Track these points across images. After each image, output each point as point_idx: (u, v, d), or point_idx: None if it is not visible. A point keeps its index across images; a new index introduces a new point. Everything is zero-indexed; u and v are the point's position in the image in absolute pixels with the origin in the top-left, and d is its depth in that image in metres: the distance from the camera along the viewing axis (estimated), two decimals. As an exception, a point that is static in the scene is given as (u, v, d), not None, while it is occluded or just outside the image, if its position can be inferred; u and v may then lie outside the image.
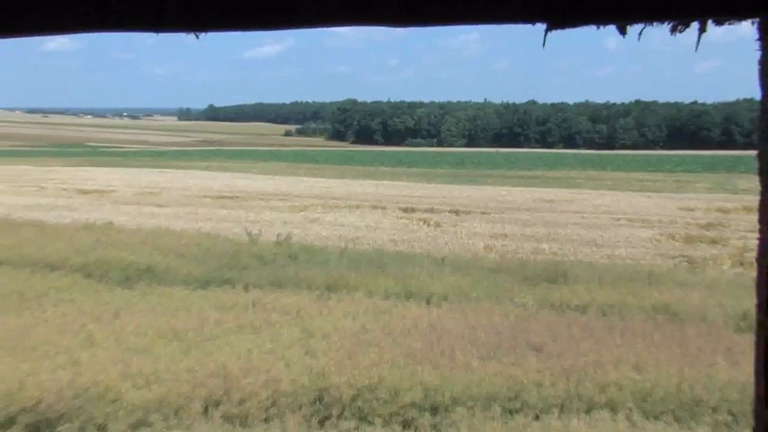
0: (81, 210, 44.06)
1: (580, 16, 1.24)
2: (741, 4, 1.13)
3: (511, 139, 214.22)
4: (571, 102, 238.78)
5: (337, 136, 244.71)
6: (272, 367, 16.31)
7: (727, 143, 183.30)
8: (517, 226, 41.16)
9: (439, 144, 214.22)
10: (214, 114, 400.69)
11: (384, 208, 48.70)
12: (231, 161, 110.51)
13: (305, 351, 17.72)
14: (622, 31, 1.36)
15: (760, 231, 1.12)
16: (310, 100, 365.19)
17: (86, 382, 15.24)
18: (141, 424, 14.21)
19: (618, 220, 44.99)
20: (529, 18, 1.29)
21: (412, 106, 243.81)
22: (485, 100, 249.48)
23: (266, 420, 14.41)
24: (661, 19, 1.28)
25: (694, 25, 1.36)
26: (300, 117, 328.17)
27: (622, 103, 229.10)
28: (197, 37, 1.53)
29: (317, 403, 15.04)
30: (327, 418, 14.59)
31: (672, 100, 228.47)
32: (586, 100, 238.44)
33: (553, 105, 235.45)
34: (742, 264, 30.04)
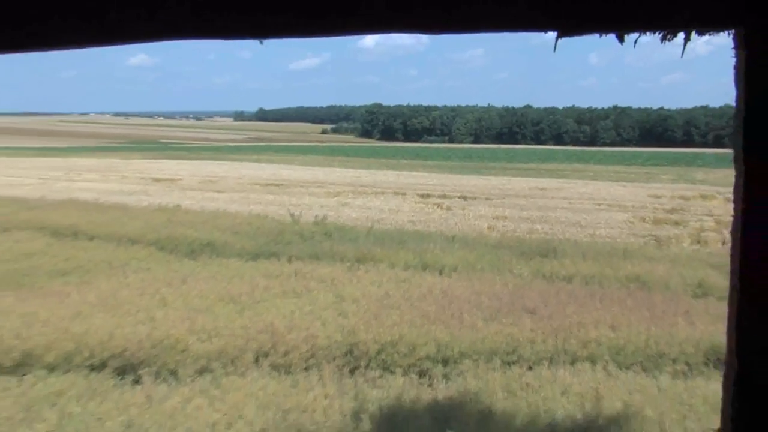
0: (155, 195, 44.19)
1: (587, 25, 1.24)
2: (718, 18, 1.13)
3: (510, 137, 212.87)
4: (560, 107, 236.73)
5: (365, 134, 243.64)
6: (311, 325, 16.41)
7: (687, 142, 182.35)
8: (515, 210, 40.97)
9: (450, 141, 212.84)
10: (263, 116, 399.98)
11: (404, 194, 48.56)
12: (277, 155, 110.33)
13: (338, 312, 17.80)
14: (621, 39, 1.36)
15: (734, 209, 1.13)
16: (343, 104, 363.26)
17: (160, 335, 15.41)
18: (204, 370, 14.33)
19: (599, 205, 44.72)
20: (543, 26, 1.29)
21: (428, 109, 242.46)
22: (488, 104, 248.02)
23: (306, 369, 14.48)
24: (653, 29, 1.28)
25: (681, 35, 1.36)
26: (334, 118, 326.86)
27: (603, 108, 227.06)
28: (261, 42, 1.52)
29: (348, 355, 15.11)
30: (356, 368, 14.66)
31: (643, 106, 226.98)
32: (573, 105, 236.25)
33: (545, 109, 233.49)
34: (698, 242, 30.17)
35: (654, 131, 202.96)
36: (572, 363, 14.88)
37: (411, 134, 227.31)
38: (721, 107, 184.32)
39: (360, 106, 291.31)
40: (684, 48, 1.32)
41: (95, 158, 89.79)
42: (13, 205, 36.48)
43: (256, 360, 14.70)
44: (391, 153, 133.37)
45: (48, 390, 13.18)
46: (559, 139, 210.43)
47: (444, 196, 47.78)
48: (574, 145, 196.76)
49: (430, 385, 14.04)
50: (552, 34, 1.36)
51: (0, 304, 18.10)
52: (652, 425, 11.83)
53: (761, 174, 1.02)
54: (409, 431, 11.77)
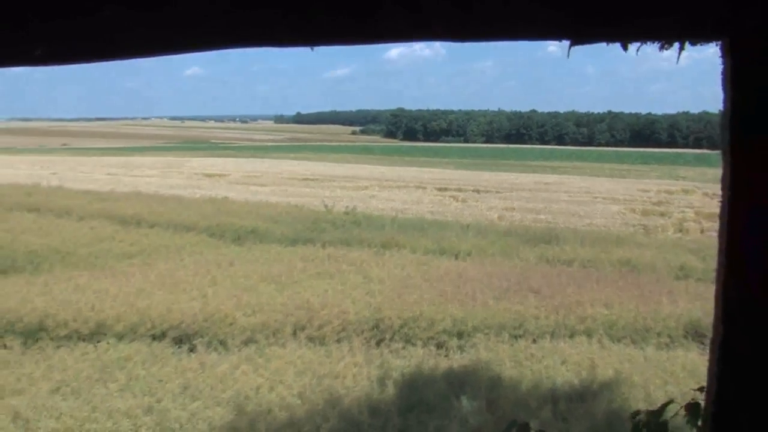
0: (206, 188, 44.36)
1: (595, 36, 1.25)
2: (706, 29, 1.15)
3: (518, 138, 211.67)
4: (561, 111, 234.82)
5: (390, 135, 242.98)
6: (342, 302, 16.44)
7: (671, 144, 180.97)
8: (522, 202, 40.77)
9: (465, 141, 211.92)
10: (300, 119, 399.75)
11: (424, 188, 48.44)
12: (312, 153, 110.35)
13: (366, 292, 17.81)
14: (625, 48, 1.36)
15: (722, 196, 1.15)
16: (370, 108, 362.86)
17: (211, 310, 15.52)
18: (249, 341, 14.43)
19: (595, 198, 44.41)
20: (558, 35, 1.29)
21: (445, 113, 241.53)
22: (499, 109, 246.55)
23: (338, 341, 14.53)
24: (652, 39, 1.28)
25: (676, 45, 1.37)
26: (363, 120, 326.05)
27: (599, 113, 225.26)
28: (312, 49, 1.50)
29: (375, 329, 15.14)
30: (382, 340, 14.69)
31: (633, 111, 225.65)
32: (573, 110, 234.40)
33: (548, 113, 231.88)
34: (681, 231, 30.04)
35: (643, 134, 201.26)
36: (571, 336, 14.87)
37: (430, 135, 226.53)
38: (699, 113, 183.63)
39: (385, 110, 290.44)
40: (679, 56, 1.33)
41: (155, 156, 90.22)
42: (87, 197, 36.77)
43: (294, 333, 14.79)
44: (413, 152, 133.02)
45: (118, 355, 13.38)
46: (560, 140, 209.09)
47: (459, 190, 47.60)
48: (574, 145, 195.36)
49: (446, 356, 14.08)
50: (558, 46, 1.37)
51: (77, 282, 18.31)
52: (639, 389, 11.84)
53: (745, 165, 1.08)
54: (428, 395, 11.79)
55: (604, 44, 1.43)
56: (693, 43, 1.22)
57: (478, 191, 47.20)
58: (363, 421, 10.79)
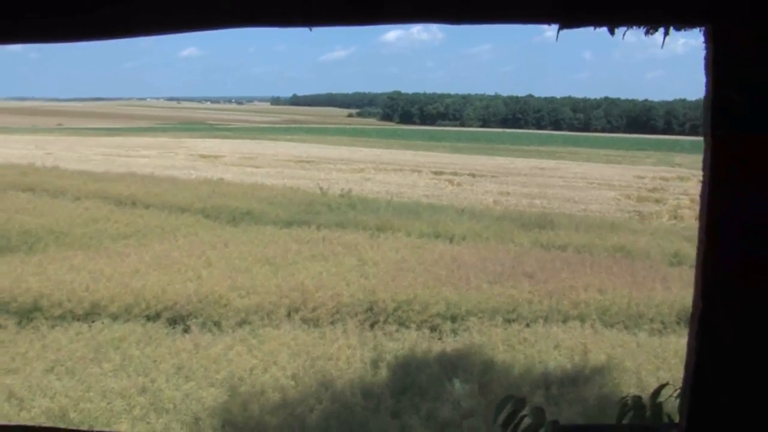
0: (201, 170, 44.26)
1: (583, 19, 1.27)
2: (690, 15, 1.18)
3: (514, 123, 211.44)
4: (558, 96, 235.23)
5: (386, 118, 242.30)
6: (336, 285, 16.46)
7: (668, 130, 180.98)
8: (517, 187, 40.81)
9: (461, 125, 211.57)
10: (296, 101, 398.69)
11: (420, 172, 48.42)
12: (308, 136, 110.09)
13: (360, 274, 17.84)
14: (612, 32, 1.38)
15: (703, 177, 1.21)
16: (367, 91, 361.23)
17: (206, 291, 15.54)
18: (243, 322, 14.48)
19: (591, 184, 44.49)
20: (546, 19, 1.31)
21: (442, 97, 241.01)
22: (495, 93, 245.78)
23: (332, 323, 14.57)
24: (637, 24, 1.31)
25: (662, 29, 1.39)
26: (359, 103, 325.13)
27: (595, 99, 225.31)
28: (310, 30, 1.50)
29: (369, 312, 15.18)
30: (375, 322, 14.75)
31: (630, 98, 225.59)
32: (569, 96, 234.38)
33: (545, 98, 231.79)
34: (675, 217, 30.15)
35: (639, 120, 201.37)
36: (564, 321, 14.94)
37: (426, 119, 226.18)
38: (696, 100, 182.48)
39: (382, 93, 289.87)
40: (663, 41, 1.36)
41: (150, 137, 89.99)
42: (82, 178, 36.67)
43: (289, 314, 14.83)
44: (409, 135, 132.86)
45: (112, 335, 13.42)
46: (556, 125, 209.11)
47: (455, 174, 47.61)
48: (570, 130, 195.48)
49: (440, 339, 14.16)
50: (552, 31, 1.40)
51: (72, 262, 18.32)
52: (631, 375, 11.92)
53: (724, 147, 1.14)
54: (421, 378, 11.86)
55: (600, 30, 1.46)
56: (677, 28, 1.25)
57: (473, 175, 47.24)
58: (356, 403, 10.85)
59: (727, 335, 1.19)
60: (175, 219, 26.13)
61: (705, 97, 1.19)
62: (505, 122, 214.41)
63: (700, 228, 1.24)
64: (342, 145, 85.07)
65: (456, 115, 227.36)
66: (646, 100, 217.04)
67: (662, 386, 2.60)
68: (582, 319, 14.99)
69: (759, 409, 1.19)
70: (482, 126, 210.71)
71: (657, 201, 36.14)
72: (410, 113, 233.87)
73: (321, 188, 33.87)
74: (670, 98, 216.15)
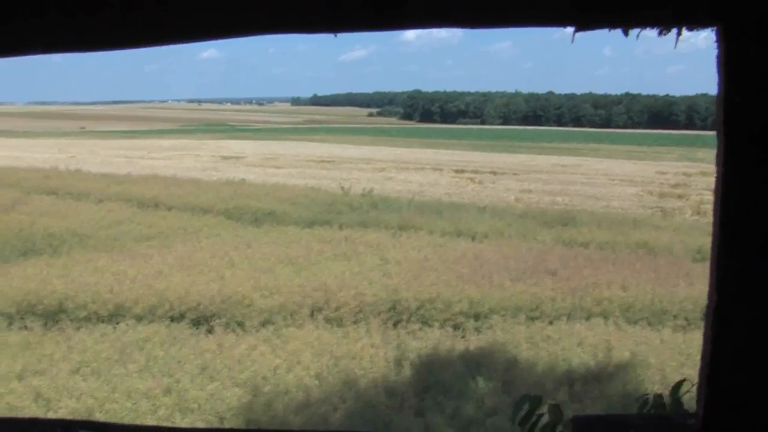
0: (223, 171, 44.50)
1: (598, 21, 1.30)
2: (702, 16, 1.21)
3: (535, 120, 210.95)
4: (578, 93, 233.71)
5: (407, 117, 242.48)
6: (359, 284, 16.47)
7: (690, 126, 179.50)
8: (539, 184, 40.69)
9: (482, 123, 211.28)
10: (317, 101, 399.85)
11: (441, 170, 48.40)
12: (329, 136, 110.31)
13: (383, 273, 17.83)
14: (626, 33, 1.41)
15: (716, 172, 1.26)
16: (387, 90, 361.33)
17: (229, 291, 15.61)
18: (267, 322, 14.54)
19: (612, 180, 44.27)
20: (562, 21, 1.34)
21: (462, 94, 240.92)
22: (516, 90, 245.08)
23: (355, 322, 14.60)
24: (651, 25, 1.34)
25: (674, 30, 1.42)
26: (380, 102, 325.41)
27: (616, 95, 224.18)
28: (335, 35, 1.53)
29: (392, 310, 15.19)
30: (399, 321, 14.77)
31: (651, 93, 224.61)
32: (590, 92, 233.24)
33: (565, 95, 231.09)
34: (698, 213, 29.88)
35: (661, 115, 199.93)
36: (587, 318, 14.89)
37: (447, 117, 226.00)
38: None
39: (402, 92, 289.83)
40: (677, 41, 1.39)
41: (172, 139, 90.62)
42: (105, 180, 37.01)
43: (312, 314, 14.87)
44: (430, 133, 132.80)
45: (137, 336, 13.52)
46: (577, 122, 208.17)
47: (476, 172, 47.54)
48: (591, 127, 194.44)
49: (463, 337, 14.13)
50: (569, 30, 1.43)
51: (96, 264, 18.50)
52: (654, 371, 11.85)
53: (735, 143, 1.18)
54: (444, 376, 11.88)
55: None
56: (690, 29, 1.28)
57: (494, 173, 47.14)
58: (380, 402, 10.89)
59: (741, 326, 1.23)
60: (197, 220, 26.31)
61: (717, 95, 1.24)
62: (525, 119, 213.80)
63: (714, 223, 1.29)
64: (363, 144, 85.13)
65: (476, 112, 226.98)
66: (667, 95, 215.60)
67: (681, 382, 2.61)
68: (605, 316, 14.92)
69: None
70: (503, 123, 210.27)
71: (679, 197, 35.88)
72: (431, 112, 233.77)
73: (343, 188, 33.90)
74: (691, 93, 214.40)
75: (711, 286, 1.32)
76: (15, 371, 11.91)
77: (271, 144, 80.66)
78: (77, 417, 10.39)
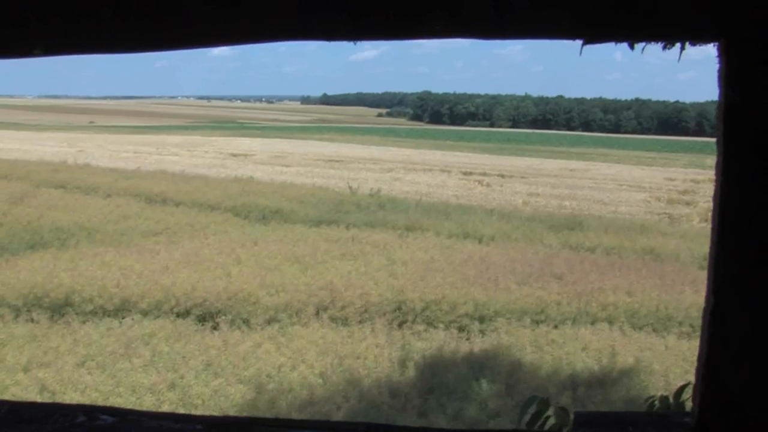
0: (231, 168, 44.54)
1: (605, 36, 1.35)
2: (704, 32, 1.27)
3: (544, 124, 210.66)
4: (588, 97, 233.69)
5: (416, 118, 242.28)
6: (365, 284, 16.53)
7: (700, 132, 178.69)
8: (546, 188, 40.64)
9: (491, 125, 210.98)
10: (327, 100, 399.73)
11: (449, 172, 48.38)
12: (338, 135, 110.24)
13: (389, 273, 17.87)
14: (632, 47, 1.45)
15: (715, 180, 1.32)
16: (397, 91, 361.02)
17: (235, 288, 15.68)
18: (272, 320, 14.60)
19: (620, 185, 44.19)
20: (571, 35, 1.39)
21: (472, 97, 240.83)
22: (525, 94, 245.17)
23: (360, 322, 14.65)
24: (655, 39, 1.38)
25: (678, 44, 1.46)
26: (389, 103, 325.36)
27: (626, 100, 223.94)
28: (355, 43, 1.56)
29: (397, 311, 15.24)
30: (404, 322, 14.81)
31: (661, 99, 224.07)
32: (600, 97, 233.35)
33: (575, 99, 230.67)
34: (706, 220, 29.67)
35: (670, 122, 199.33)
36: (592, 323, 14.90)
37: (456, 119, 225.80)
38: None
39: (412, 93, 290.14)
40: (680, 55, 1.43)
41: (181, 136, 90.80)
42: (113, 175, 37.14)
43: (317, 313, 14.93)
44: (438, 135, 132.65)
45: (142, 331, 13.60)
46: (587, 126, 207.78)
47: (484, 174, 47.51)
48: (600, 132, 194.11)
49: (467, 339, 14.18)
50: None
51: (103, 258, 18.58)
52: (658, 377, 11.87)
53: (734, 154, 1.24)
54: (449, 378, 11.91)
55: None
56: (693, 44, 1.33)
57: (503, 176, 47.10)
58: (383, 401, 10.94)
59: (736, 328, 1.28)
60: (205, 217, 26.39)
61: (718, 106, 1.30)
62: (535, 123, 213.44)
63: (712, 230, 1.34)
64: (372, 144, 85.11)
65: (486, 115, 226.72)
66: (677, 102, 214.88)
67: (684, 385, 2.65)
68: (610, 321, 14.94)
69: (765, 395, 1.28)
70: (512, 126, 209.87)
71: (687, 203, 35.80)
72: (440, 113, 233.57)
73: (350, 188, 33.96)
74: (702, 100, 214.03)
75: (708, 289, 1.38)
76: (21, 363, 12.01)
77: (280, 142, 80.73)
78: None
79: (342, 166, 49.73)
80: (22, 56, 1.66)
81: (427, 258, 19.84)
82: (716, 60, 1.32)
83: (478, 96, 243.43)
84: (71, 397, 10.76)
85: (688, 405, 2.49)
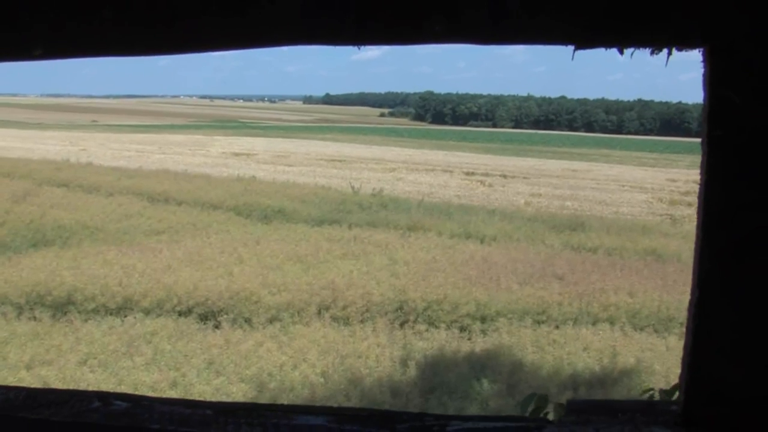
0: (233, 167, 44.57)
1: (596, 41, 1.41)
2: (691, 39, 1.34)
3: (547, 124, 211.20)
4: (591, 98, 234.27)
5: (419, 118, 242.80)
6: (367, 283, 16.55)
7: (702, 133, 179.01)
8: (549, 188, 40.68)
9: (494, 126, 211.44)
10: (329, 100, 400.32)
11: (451, 172, 48.42)
12: (340, 135, 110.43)
13: (391, 273, 17.90)
14: (621, 52, 1.51)
15: (700, 179, 1.40)
16: (399, 91, 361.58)
17: (237, 288, 15.72)
18: (274, 319, 14.64)
19: (623, 186, 44.23)
20: (564, 41, 1.45)
21: (475, 97, 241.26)
22: (528, 94, 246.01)
23: (362, 321, 14.68)
24: (645, 46, 1.45)
25: (666, 50, 1.53)
26: (392, 103, 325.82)
27: (628, 101, 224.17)
28: (359, 48, 1.62)
29: (399, 311, 15.26)
30: (405, 322, 14.85)
31: (664, 100, 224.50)
32: (602, 97, 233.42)
33: (578, 100, 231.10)
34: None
35: (673, 123, 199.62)
36: (594, 323, 14.93)
37: (459, 119, 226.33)
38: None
39: (414, 93, 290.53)
40: (667, 60, 1.50)
41: (183, 135, 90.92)
42: (116, 174, 37.18)
43: (319, 312, 14.96)
44: (441, 135, 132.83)
45: (144, 330, 13.66)
46: (589, 127, 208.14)
47: (486, 174, 47.54)
48: (603, 132, 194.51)
49: (469, 339, 14.21)
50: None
51: (106, 257, 18.63)
52: (659, 378, 11.90)
53: (717, 153, 1.31)
54: (450, 377, 11.96)
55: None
56: (679, 49, 1.39)
57: (505, 176, 47.13)
58: (384, 401, 10.98)
59: (719, 319, 1.36)
60: (207, 216, 26.44)
61: (703, 110, 1.38)
62: (537, 123, 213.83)
63: (697, 227, 1.42)
64: (374, 144, 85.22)
65: (488, 115, 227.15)
66: (680, 103, 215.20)
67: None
68: (612, 321, 14.97)
69: (751, 383, 1.37)
70: (514, 127, 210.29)
71: (690, 204, 35.75)
72: (442, 113, 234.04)
73: (353, 187, 34.00)
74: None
75: (693, 283, 1.45)
76: (24, 361, 12.07)
77: (283, 142, 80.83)
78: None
79: (344, 166, 49.76)
80: (21, 60, 1.70)
81: (429, 258, 19.88)
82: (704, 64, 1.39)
83: (481, 96, 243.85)
84: (74, 394, 10.81)
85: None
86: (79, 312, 14.67)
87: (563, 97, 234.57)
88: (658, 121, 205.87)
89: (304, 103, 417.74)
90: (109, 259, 18.42)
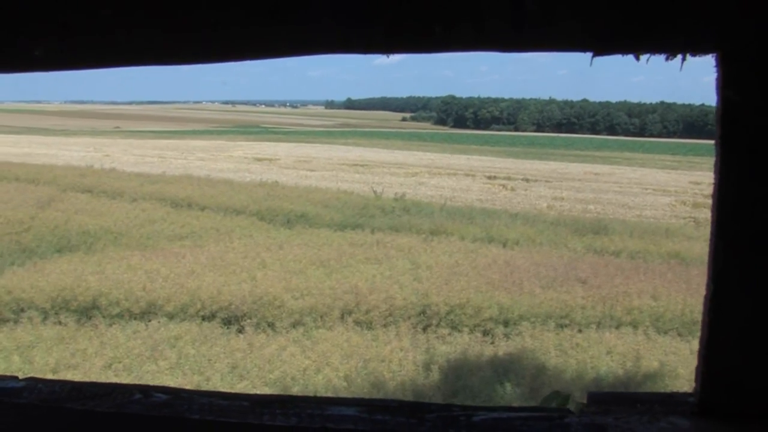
0: (256, 172, 44.79)
1: (613, 48, 1.47)
2: (705, 44, 1.41)
3: (569, 127, 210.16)
4: (613, 101, 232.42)
5: (441, 122, 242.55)
6: (390, 288, 16.60)
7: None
8: (571, 192, 40.52)
9: (516, 129, 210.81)
10: (351, 104, 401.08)
11: (473, 176, 48.36)
12: (362, 139, 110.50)
13: (414, 277, 17.95)
14: (637, 58, 1.56)
15: (714, 179, 1.48)
16: (421, 95, 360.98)
17: (260, 292, 15.82)
18: (297, 323, 14.74)
19: (645, 189, 43.95)
20: (581, 48, 1.51)
21: (497, 101, 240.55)
22: (550, 97, 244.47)
23: (385, 326, 14.75)
24: (660, 52, 1.50)
25: (680, 56, 1.58)
26: (413, 107, 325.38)
27: (651, 103, 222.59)
28: (388, 56, 1.67)
29: (422, 315, 15.31)
30: (428, 326, 14.89)
31: (687, 102, 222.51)
32: (625, 100, 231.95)
33: (600, 102, 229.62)
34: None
35: (696, 125, 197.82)
36: (617, 327, 14.91)
37: (481, 123, 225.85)
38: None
39: (436, 97, 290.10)
40: (681, 65, 1.54)
41: (206, 140, 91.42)
42: (139, 179, 37.48)
43: (342, 316, 15.05)
44: (463, 139, 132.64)
45: (168, 334, 13.81)
46: (611, 130, 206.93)
47: (509, 178, 47.45)
48: (625, 135, 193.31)
49: (492, 343, 14.24)
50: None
51: (130, 262, 18.83)
52: (683, 382, 11.85)
53: (729, 154, 1.38)
54: (473, 381, 11.98)
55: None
56: (693, 55, 1.44)
57: (527, 180, 46.99)
58: (407, 404, 11.00)
59: (734, 312, 1.42)
60: (230, 221, 26.61)
61: (716, 112, 1.45)
62: (559, 127, 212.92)
63: (712, 220, 1.49)
64: (396, 149, 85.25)
65: (510, 119, 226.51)
66: (702, 105, 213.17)
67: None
68: (635, 325, 14.94)
69: (766, 374, 1.43)
70: (537, 130, 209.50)
71: (713, 207, 35.49)
72: (464, 117, 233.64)
73: (375, 192, 34.07)
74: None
75: (708, 277, 1.52)
76: (49, 365, 12.26)
77: (305, 147, 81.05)
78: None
79: (366, 171, 49.83)
80: (23, 71, 1.75)
81: (451, 262, 19.89)
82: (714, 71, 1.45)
83: (503, 100, 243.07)
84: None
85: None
86: (103, 316, 14.86)
87: (585, 100, 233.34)
88: (681, 124, 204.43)
89: (326, 107, 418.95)
90: (133, 264, 18.60)
